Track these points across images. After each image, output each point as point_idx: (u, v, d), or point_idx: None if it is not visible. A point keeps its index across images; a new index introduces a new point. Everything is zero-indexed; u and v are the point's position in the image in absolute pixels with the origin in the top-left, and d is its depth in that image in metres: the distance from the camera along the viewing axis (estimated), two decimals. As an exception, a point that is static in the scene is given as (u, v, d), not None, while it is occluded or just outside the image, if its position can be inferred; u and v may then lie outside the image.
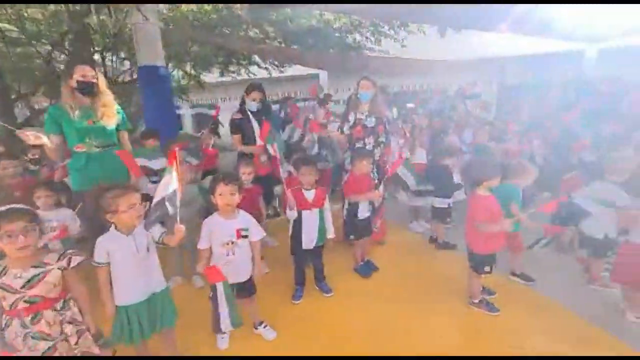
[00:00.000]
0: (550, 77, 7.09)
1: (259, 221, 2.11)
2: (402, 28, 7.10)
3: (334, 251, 2.95)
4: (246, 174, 2.77)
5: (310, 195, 2.53)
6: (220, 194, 1.93)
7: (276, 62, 9.00)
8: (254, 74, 9.56)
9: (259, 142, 3.23)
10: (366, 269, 3.02)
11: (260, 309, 2.32)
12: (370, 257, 3.17)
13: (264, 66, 9.03)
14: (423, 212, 4.02)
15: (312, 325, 2.37)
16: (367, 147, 3.24)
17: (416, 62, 7.22)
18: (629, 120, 4.13)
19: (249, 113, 3.24)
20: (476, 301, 2.45)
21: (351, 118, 3.23)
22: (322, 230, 2.58)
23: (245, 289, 2.12)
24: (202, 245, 1.97)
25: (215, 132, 4.46)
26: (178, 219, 1.63)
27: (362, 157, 2.86)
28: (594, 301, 2.55)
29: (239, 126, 3.23)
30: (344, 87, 11.33)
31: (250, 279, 2.13)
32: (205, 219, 2.01)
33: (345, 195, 2.91)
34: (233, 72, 9.26)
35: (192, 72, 9.51)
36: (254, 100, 3.20)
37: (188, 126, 6.82)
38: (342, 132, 3.27)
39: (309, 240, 2.56)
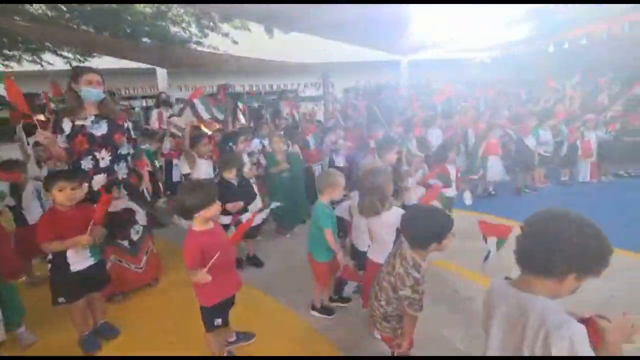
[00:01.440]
0: (375, 81, 7.76)
1: None
2: (224, 23, 6.44)
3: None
4: None
5: None
6: None
7: (78, 50, 7.04)
8: (49, 63, 7.30)
9: None
10: (94, 341, 2.13)
11: None
12: (122, 310, 2.34)
13: (60, 53, 6.95)
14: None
15: None
16: (100, 162, 2.37)
17: (247, 60, 6.71)
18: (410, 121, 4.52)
19: None
20: (219, 362, 1.90)
21: (66, 126, 2.27)
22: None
23: None
24: None
25: None
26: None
27: (56, 180, 1.97)
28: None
29: None
30: (189, 85, 10.10)
31: None
32: None
33: (37, 241, 1.94)
34: (8, 58, 6.80)
35: None
36: None
37: None
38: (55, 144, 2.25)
39: None
